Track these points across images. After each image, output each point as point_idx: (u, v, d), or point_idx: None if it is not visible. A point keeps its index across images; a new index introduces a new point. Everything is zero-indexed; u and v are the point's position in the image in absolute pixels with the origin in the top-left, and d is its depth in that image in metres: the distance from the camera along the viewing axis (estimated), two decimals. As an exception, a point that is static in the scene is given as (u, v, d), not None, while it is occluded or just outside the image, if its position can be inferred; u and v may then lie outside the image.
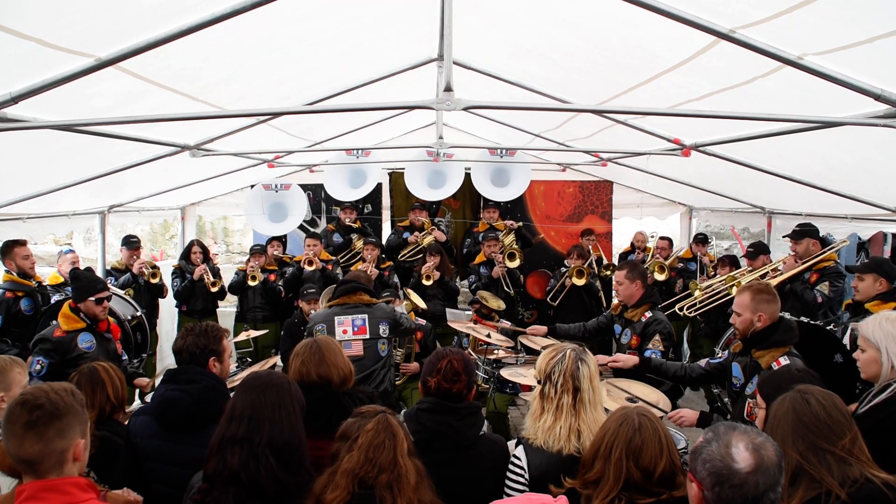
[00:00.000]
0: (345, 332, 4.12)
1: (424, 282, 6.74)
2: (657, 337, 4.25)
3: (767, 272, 5.68)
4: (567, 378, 2.42)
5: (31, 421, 1.75)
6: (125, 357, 4.63)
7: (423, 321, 5.81)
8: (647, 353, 4.23)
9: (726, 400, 4.41)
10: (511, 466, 2.40)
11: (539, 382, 2.50)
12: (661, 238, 7.62)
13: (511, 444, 2.67)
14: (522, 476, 2.34)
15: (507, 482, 2.39)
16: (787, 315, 4.51)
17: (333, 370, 2.70)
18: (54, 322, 4.18)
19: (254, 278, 6.80)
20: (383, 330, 4.21)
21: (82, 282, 4.19)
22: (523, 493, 2.29)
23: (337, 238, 7.59)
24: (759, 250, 5.92)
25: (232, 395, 2.27)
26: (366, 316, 4.19)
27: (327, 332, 4.09)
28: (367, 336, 4.15)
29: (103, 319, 4.22)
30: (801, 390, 2.10)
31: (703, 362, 3.95)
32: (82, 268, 6.09)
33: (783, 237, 5.81)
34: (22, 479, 2.00)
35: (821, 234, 5.49)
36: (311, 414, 2.41)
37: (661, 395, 3.81)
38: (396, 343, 5.20)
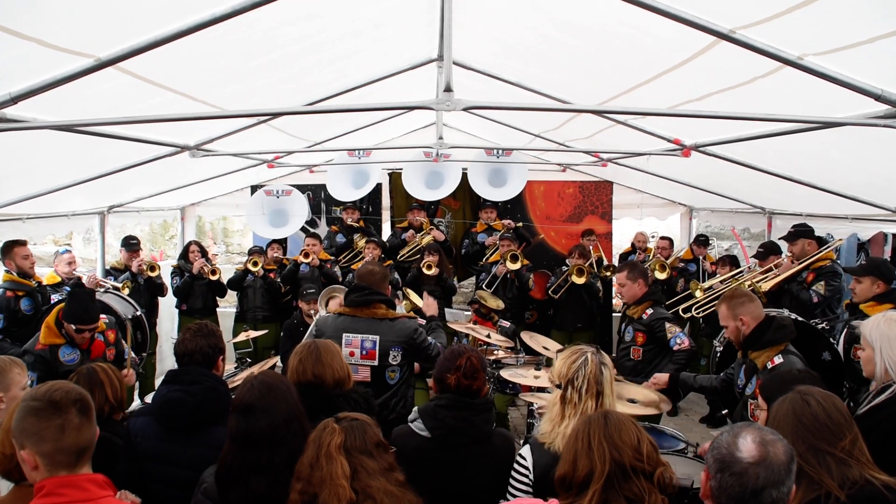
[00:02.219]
0: (352, 354, 3.56)
1: (426, 270, 6.71)
2: (668, 324, 4.37)
3: (764, 274, 5.66)
4: (592, 383, 2.39)
5: (84, 407, 1.80)
6: (133, 356, 4.61)
7: (423, 321, 5.80)
8: (673, 341, 4.32)
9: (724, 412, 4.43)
10: (516, 465, 2.41)
11: (558, 387, 2.46)
12: (662, 238, 7.62)
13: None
14: (527, 476, 2.35)
15: (512, 480, 2.40)
16: (785, 312, 4.52)
17: (328, 370, 2.68)
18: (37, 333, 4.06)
19: (255, 263, 6.85)
20: (394, 356, 3.59)
21: (73, 305, 4.01)
22: (517, 499, 2.29)
23: (340, 238, 7.60)
24: (769, 250, 5.85)
25: (239, 414, 2.16)
26: (377, 338, 3.57)
27: None
28: (376, 363, 3.58)
29: (80, 343, 4.06)
30: (801, 391, 2.09)
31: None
32: (80, 268, 6.10)
33: (779, 239, 5.80)
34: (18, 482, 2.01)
35: (821, 235, 5.48)
36: (308, 415, 2.40)
37: (661, 396, 3.81)
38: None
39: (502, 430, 2.69)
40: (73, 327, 3.96)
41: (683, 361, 4.24)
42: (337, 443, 1.87)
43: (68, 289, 5.54)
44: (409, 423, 2.57)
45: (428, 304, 4.26)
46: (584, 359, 2.44)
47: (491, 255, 7.36)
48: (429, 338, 3.77)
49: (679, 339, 4.29)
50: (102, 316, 4.34)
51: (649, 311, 4.41)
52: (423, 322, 5.70)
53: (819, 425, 1.98)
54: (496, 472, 2.51)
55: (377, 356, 3.57)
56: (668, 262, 7.16)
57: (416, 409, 2.64)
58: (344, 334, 3.59)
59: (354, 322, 3.63)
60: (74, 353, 4.01)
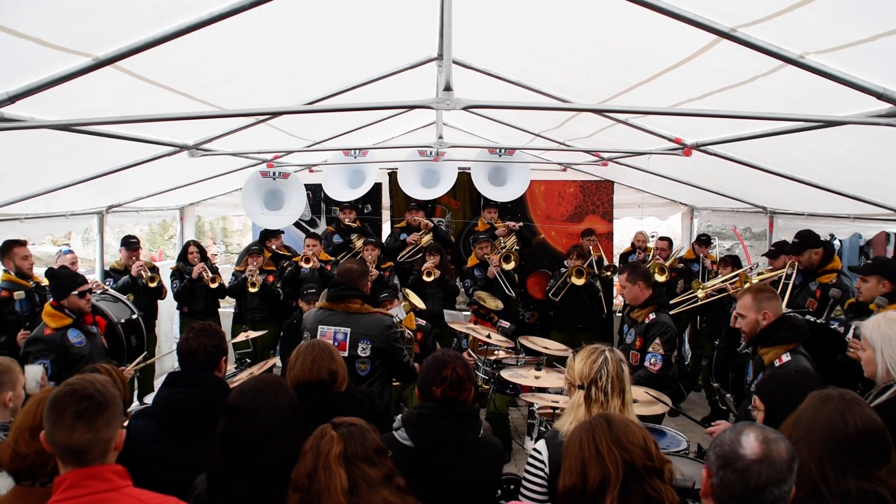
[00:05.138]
0: None
1: (425, 278, 6.69)
2: (657, 340, 4.26)
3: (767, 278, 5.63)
4: (615, 381, 2.42)
5: (81, 410, 1.77)
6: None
7: (422, 321, 5.79)
8: (648, 357, 4.25)
9: (728, 396, 4.40)
10: (530, 459, 2.40)
11: (581, 387, 2.46)
12: (661, 238, 7.59)
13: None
14: (542, 469, 2.34)
15: (525, 475, 2.38)
16: (792, 312, 4.49)
17: (340, 368, 2.72)
18: (42, 323, 4.19)
19: (254, 285, 6.69)
20: (363, 349, 3.71)
21: (61, 279, 4.22)
22: (516, 501, 2.28)
23: (337, 239, 7.57)
24: (780, 249, 5.77)
25: (226, 415, 2.13)
26: (348, 330, 3.73)
27: None
28: (346, 354, 3.68)
29: (88, 312, 4.26)
30: (846, 401, 1.96)
31: None
32: (81, 269, 6.08)
33: (784, 251, 5.70)
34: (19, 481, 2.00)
35: (824, 236, 5.42)
36: (312, 417, 2.38)
37: (661, 395, 3.80)
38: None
39: (490, 439, 2.63)
40: (76, 293, 4.14)
41: (640, 382, 4.11)
42: (336, 453, 1.82)
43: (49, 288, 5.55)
44: (393, 432, 2.52)
45: None
46: (605, 358, 2.46)
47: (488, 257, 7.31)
48: (402, 341, 3.88)
49: (654, 359, 4.21)
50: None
51: (651, 316, 4.38)
52: (423, 323, 5.72)
53: (851, 448, 1.88)
54: (482, 481, 2.48)
55: (347, 347, 3.71)
56: (668, 262, 7.14)
57: (399, 417, 2.59)
58: (319, 326, 3.79)
59: (331, 315, 3.81)
60: (81, 336, 4.17)
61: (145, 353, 5.26)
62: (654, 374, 4.20)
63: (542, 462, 2.35)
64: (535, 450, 2.41)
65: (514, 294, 7.10)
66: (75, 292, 4.14)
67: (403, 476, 1.93)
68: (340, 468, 1.80)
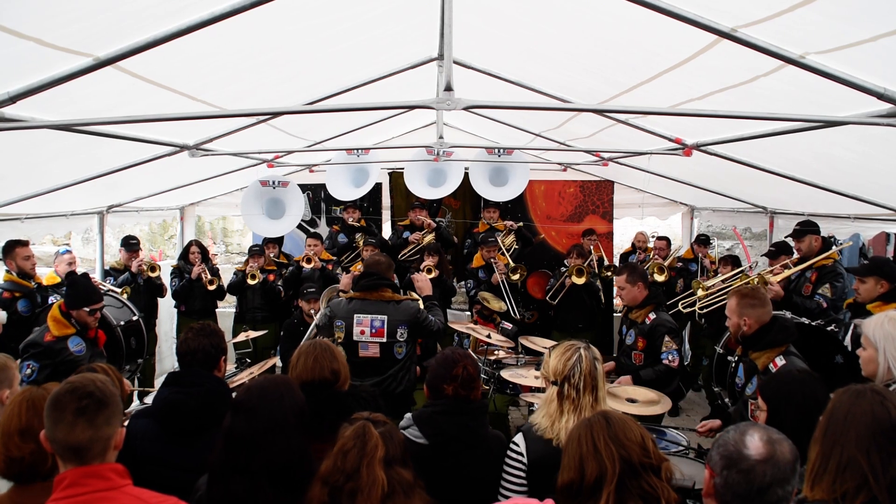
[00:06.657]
0: (362, 332, 4.02)
1: (426, 275, 6.67)
2: (667, 338, 4.28)
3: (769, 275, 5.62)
4: (588, 379, 2.45)
5: (82, 408, 1.78)
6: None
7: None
8: (664, 356, 4.29)
9: (727, 400, 4.41)
10: (509, 453, 2.43)
11: (555, 384, 2.49)
12: (659, 238, 7.59)
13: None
14: (521, 461, 2.37)
15: (506, 467, 2.42)
16: (787, 314, 4.50)
17: (342, 368, 2.74)
18: (44, 325, 4.18)
19: (253, 276, 6.77)
20: (401, 333, 4.03)
21: (79, 289, 4.20)
22: (512, 499, 2.30)
23: (342, 238, 7.56)
24: (780, 250, 5.78)
25: (231, 411, 2.16)
26: (385, 317, 4.02)
27: (345, 329, 4.03)
28: (384, 339, 4.01)
29: (94, 327, 4.25)
30: (880, 394, 1.95)
31: None
32: (80, 269, 6.08)
33: (785, 237, 5.77)
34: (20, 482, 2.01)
35: (825, 235, 5.45)
36: (317, 416, 2.39)
37: (661, 395, 3.80)
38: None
39: (496, 433, 2.68)
40: (87, 310, 4.15)
41: (661, 376, 4.21)
42: (381, 455, 1.85)
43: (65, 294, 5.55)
44: (403, 430, 2.54)
45: (421, 286, 4.49)
46: (579, 355, 2.48)
47: (491, 258, 7.26)
48: (429, 316, 4.17)
49: (672, 356, 4.27)
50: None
51: (652, 316, 4.38)
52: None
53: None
54: (492, 473, 2.51)
55: (385, 334, 4.02)
56: (667, 262, 7.13)
57: (408, 416, 2.61)
58: (355, 315, 4.04)
59: (364, 304, 4.08)
60: (81, 344, 4.15)
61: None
62: (675, 370, 4.26)
63: (520, 454, 2.39)
64: (513, 442, 2.45)
65: (518, 315, 7.00)
66: (86, 308, 4.14)
67: (418, 474, 1.95)
68: (382, 471, 1.83)
